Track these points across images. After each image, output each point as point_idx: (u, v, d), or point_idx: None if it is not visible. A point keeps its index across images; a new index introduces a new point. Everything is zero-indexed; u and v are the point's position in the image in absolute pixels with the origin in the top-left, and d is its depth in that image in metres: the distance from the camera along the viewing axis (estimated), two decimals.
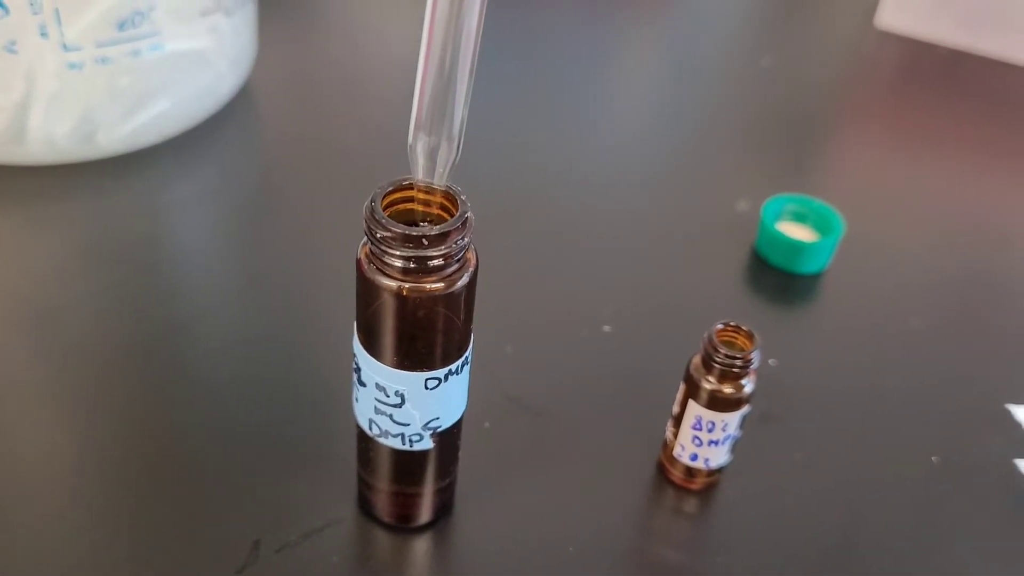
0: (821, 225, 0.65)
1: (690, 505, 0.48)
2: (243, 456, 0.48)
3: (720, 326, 0.45)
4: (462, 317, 0.39)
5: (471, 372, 0.41)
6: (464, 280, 0.37)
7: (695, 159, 0.78)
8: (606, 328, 0.58)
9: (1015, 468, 0.52)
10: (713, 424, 0.45)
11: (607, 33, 0.95)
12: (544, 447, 0.50)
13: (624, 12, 1.00)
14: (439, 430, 0.41)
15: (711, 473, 0.48)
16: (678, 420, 0.47)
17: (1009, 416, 0.55)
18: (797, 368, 0.57)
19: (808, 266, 0.63)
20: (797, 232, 0.65)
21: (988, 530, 0.49)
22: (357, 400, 0.42)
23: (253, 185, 0.70)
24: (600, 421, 0.52)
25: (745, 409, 0.45)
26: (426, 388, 0.39)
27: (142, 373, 0.52)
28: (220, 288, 0.60)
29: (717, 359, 0.44)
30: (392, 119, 0.78)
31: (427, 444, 0.42)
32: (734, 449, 0.48)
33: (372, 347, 0.39)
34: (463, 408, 0.42)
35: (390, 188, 0.37)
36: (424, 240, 0.35)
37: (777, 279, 0.64)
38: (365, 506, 0.46)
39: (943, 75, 0.93)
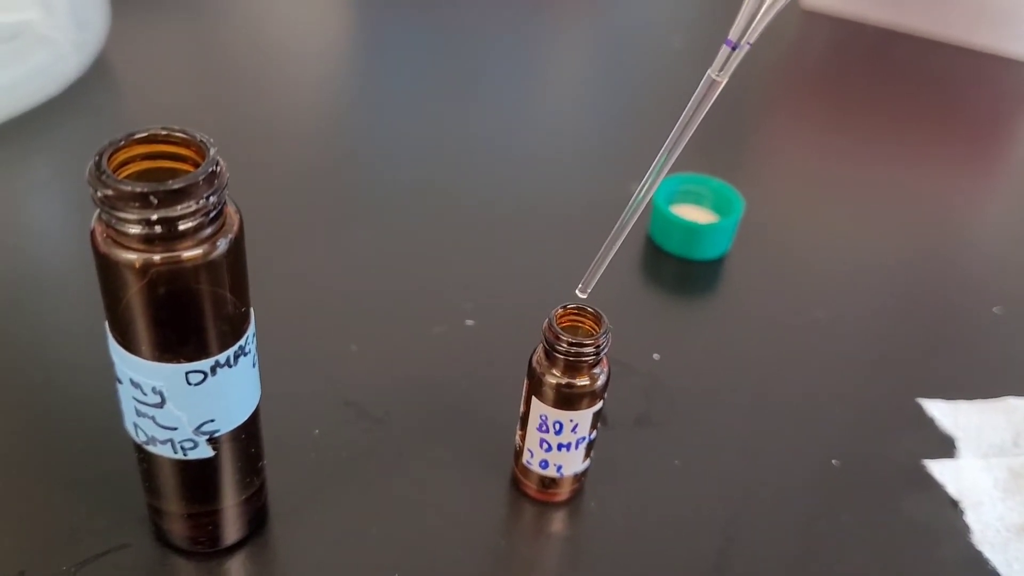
0: (721, 206, 0.58)
1: (548, 523, 0.42)
2: (6, 478, 0.41)
3: (561, 309, 0.38)
4: (228, 295, 0.32)
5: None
6: (223, 247, 0.31)
7: (587, 143, 0.71)
8: (469, 323, 0.51)
9: (923, 470, 0.45)
10: (560, 424, 0.39)
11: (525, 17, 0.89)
12: (381, 458, 0.43)
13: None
14: (217, 435, 0.34)
15: (570, 483, 0.41)
16: (524, 421, 0.40)
17: (921, 412, 0.48)
18: (686, 363, 0.50)
19: (706, 251, 0.57)
20: (695, 215, 0.59)
21: (887, 542, 0.42)
22: (121, 401, 0.35)
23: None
24: (451, 428, 0.45)
25: (598, 405, 0.39)
26: (188, 383, 0.32)
27: None
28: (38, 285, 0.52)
29: (560, 348, 0.37)
30: (257, 105, 0.71)
31: (204, 452, 0.35)
32: (590, 453, 0.41)
33: (121, 335, 0.32)
34: (251, 409, 0.36)
35: (122, 142, 0.31)
36: (152, 198, 0.29)
37: (674, 267, 0.57)
38: (157, 530, 0.39)
39: (870, 55, 0.87)
